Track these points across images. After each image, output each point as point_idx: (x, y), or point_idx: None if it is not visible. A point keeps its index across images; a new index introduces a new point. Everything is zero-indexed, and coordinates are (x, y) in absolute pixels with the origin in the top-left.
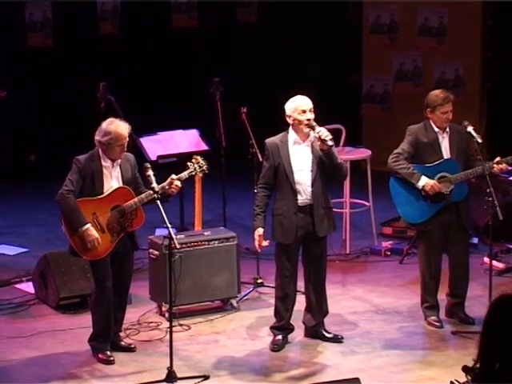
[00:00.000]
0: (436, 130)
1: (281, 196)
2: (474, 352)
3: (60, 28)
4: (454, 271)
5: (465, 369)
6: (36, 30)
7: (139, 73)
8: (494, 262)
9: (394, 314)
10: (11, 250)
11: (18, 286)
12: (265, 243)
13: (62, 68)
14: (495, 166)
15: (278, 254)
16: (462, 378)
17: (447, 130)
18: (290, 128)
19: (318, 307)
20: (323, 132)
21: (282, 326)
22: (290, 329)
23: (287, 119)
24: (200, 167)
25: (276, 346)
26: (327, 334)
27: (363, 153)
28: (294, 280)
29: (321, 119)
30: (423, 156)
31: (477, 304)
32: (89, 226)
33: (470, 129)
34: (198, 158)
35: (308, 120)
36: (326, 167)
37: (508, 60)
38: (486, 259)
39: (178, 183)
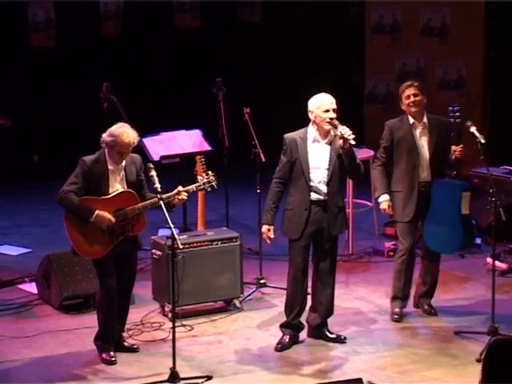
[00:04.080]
0: (411, 121)
1: (294, 191)
2: (476, 352)
3: (63, 28)
4: (426, 261)
5: None
6: (39, 31)
7: (142, 73)
8: (497, 263)
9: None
10: (14, 251)
11: (20, 286)
12: (272, 235)
13: (64, 68)
14: None
15: (289, 250)
16: (464, 377)
17: (425, 121)
18: (310, 124)
19: (323, 307)
20: (346, 130)
21: (291, 323)
22: (300, 327)
23: (309, 115)
24: (209, 182)
25: (279, 346)
26: (330, 335)
27: (366, 153)
28: (304, 277)
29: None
30: (398, 149)
31: (480, 304)
32: (97, 211)
33: (472, 129)
34: (210, 173)
35: (330, 119)
36: (343, 166)
37: (510, 61)
38: (489, 259)
39: (185, 196)
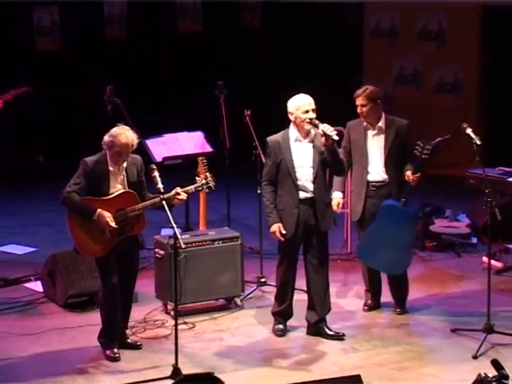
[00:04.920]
0: (365, 124)
1: (282, 191)
2: (472, 349)
3: (67, 32)
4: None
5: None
6: (44, 35)
7: (145, 76)
8: (493, 262)
9: (394, 312)
10: (20, 250)
11: (26, 284)
12: (284, 232)
13: (69, 71)
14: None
15: (280, 247)
16: (460, 374)
17: (380, 125)
18: (291, 125)
19: (320, 303)
20: (328, 128)
21: (283, 311)
22: (290, 313)
23: (289, 116)
24: (207, 184)
25: (280, 332)
26: (329, 331)
27: None
28: (293, 270)
29: (323, 121)
30: (353, 150)
31: (475, 302)
32: (99, 210)
33: (468, 131)
34: (208, 175)
35: (310, 119)
36: (327, 163)
37: (506, 64)
38: (485, 258)
39: (184, 196)
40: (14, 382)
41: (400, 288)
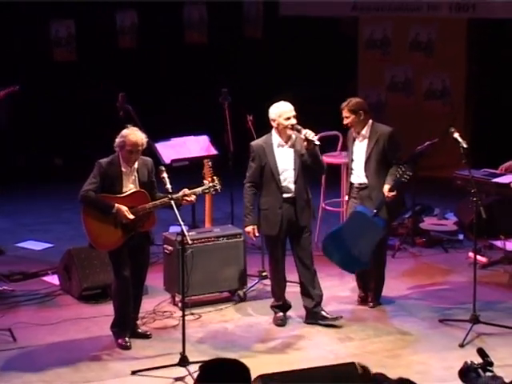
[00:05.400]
0: (353, 133)
1: (267, 192)
2: (459, 338)
3: (83, 43)
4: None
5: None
6: (61, 46)
7: (155, 84)
8: (478, 257)
9: (387, 304)
10: (38, 246)
11: (44, 278)
12: (257, 234)
13: (84, 80)
14: None
15: (267, 245)
16: (448, 362)
17: (363, 133)
18: (273, 131)
19: (312, 287)
20: (309, 133)
21: (281, 304)
22: (288, 305)
23: (271, 123)
24: (214, 187)
25: (280, 321)
26: (326, 315)
27: None
28: (282, 264)
29: (321, 126)
30: (347, 157)
31: (462, 295)
32: (117, 204)
33: (456, 135)
34: (215, 178)
35: (292, 125)
36: (308, 164)
37: (490, 73)
38: (471, 254)
39: (193, 198)
40: (32, 369)
41: (375, 283)
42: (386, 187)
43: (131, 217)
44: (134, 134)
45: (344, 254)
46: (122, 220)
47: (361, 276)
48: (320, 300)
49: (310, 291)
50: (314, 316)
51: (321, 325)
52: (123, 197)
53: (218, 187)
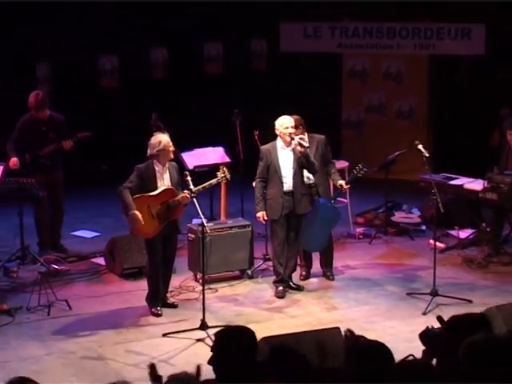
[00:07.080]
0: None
1: (271, 185)
2: (422, 308)
3: (124, 74)
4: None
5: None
6: (107, 76)
7: (182, 106)
8: (437, 243)
9: (365, 280)
10: (88, 234)
11: (93, 260)
12: (266, 218)
13: (125, 104)
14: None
15: (271, 228)
16: (413, 326)
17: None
18: (278, 138)
19: (291, 263)
20: (303, 138)
21: (281, 279)
22: (287, 280)
23: (276, 131)
24: (224, 176)
25: (280, 294)
26: (292, 285)
27: (343, 164)
28: (282, 245)
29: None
30: None
31: (425, 273)
32: (134, 211)
33: (420, 147)
34: (225, 169)
35: (290, 133)
36: (303, 165)
37: (446, 97)
38: (431, 241)
39: (187, 195)
40: (85, 331)
41: (327, 257)
42: (342, 182)
43: (142, 222)
44: (162, 136)
45: (306, 237)
46: (134, 223)
47: (306, 256)
48: (290, 273)
49: (288, 266)
50: (286, 284)
51: (292, 289)
52: (157, 194)
53: (228, 176)
